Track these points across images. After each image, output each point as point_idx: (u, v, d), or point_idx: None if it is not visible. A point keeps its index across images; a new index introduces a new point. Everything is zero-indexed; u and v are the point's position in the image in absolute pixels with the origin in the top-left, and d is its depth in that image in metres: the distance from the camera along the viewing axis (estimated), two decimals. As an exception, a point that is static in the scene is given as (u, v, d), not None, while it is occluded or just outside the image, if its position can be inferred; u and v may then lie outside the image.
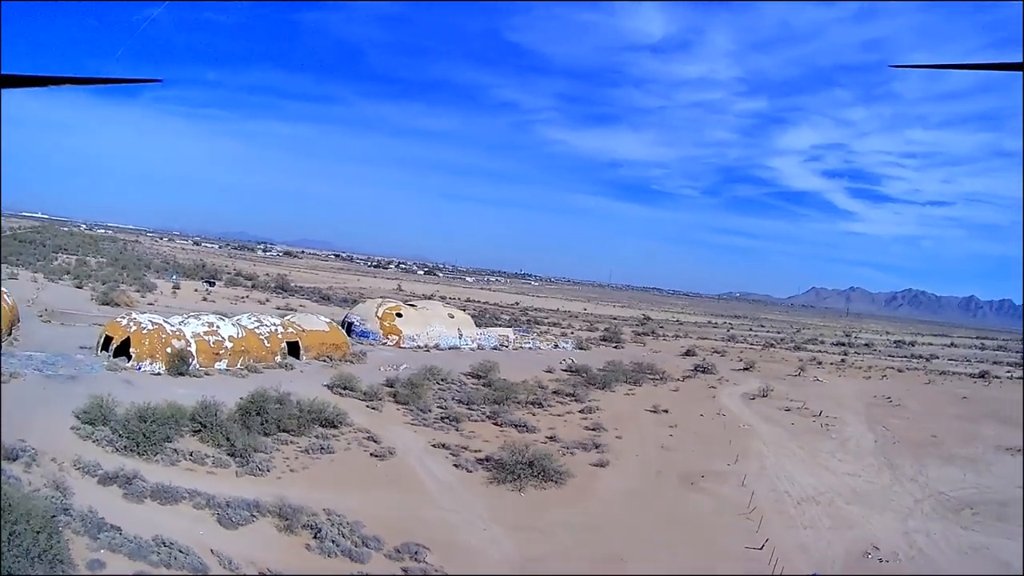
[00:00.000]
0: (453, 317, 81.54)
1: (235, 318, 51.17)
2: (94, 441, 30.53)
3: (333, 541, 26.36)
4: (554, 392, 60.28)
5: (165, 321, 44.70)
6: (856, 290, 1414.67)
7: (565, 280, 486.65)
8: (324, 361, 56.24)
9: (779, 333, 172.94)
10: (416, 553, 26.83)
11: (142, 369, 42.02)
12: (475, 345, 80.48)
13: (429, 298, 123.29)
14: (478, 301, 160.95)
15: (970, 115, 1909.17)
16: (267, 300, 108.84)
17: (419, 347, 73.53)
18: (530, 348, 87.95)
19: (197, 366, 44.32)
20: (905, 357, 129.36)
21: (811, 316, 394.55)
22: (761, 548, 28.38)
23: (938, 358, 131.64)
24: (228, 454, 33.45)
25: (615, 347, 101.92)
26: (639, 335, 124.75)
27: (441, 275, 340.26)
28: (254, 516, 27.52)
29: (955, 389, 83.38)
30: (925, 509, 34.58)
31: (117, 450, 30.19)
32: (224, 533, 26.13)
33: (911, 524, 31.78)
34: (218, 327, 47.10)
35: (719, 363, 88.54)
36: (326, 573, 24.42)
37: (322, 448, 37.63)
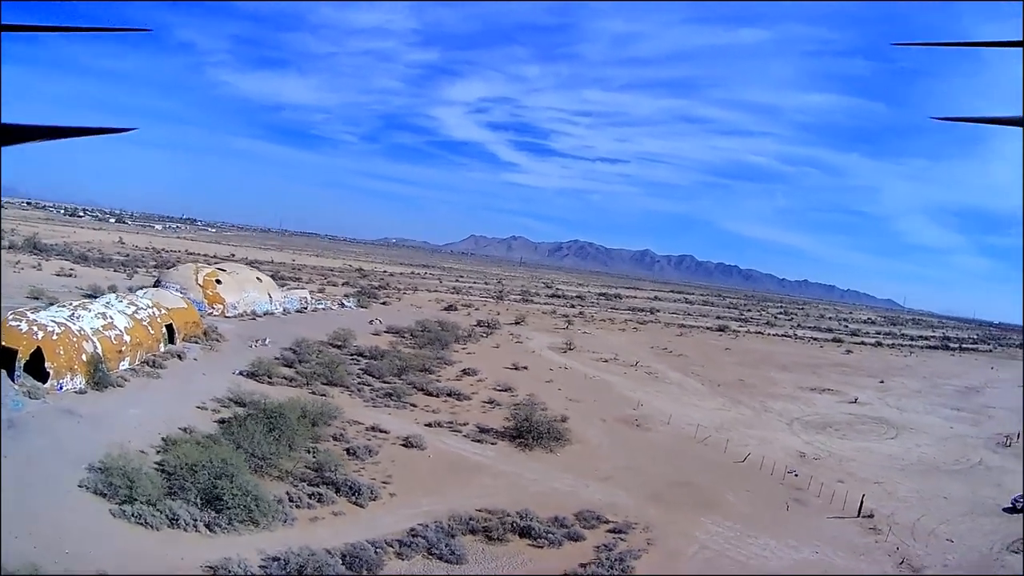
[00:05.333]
0: (261, 281, 67.72)
1: (104, 301, 34.11)
2: (174, 525, 19.18)
3: (548, 532, 24.38)
4: (414, 355, 58.19)
5: (65, 319, 27.39)
6: (518, 239, 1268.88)
7: (231, 226, 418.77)
8: (197, 342, 42.37)
9: (487, 284, 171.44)
10: (598, 517, 26.76)
11: (63, 388, 25.70)
12: (282, 309, 69.06)
13: (157, 252, 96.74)
14: (196, 254, 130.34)
15: (658, 81, 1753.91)
16: (39, 265, 76.94)
17: (241, 315, 59.72)
18: (323, 309, 79.47)
19: (106, 371, 29.06)
20: (628, 310, 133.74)
21: (488, 265, 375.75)
22: (744, 461, 37.38)
23: (659, 311, 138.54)
24: (310, 484, 25.15)
25: (382, 304, 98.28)
26: (379, 289, 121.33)
27: (130, 223, 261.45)
28: (455, 540, 22.89)
29: (711, 341, 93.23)
30: (799, 428, 45.74)
31: (218, 528, 19.74)
32: (464, 569, 21.37)
33: (804, 438, 43.11)
34: (112, 319, 31.14)
35: (481, 317, 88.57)
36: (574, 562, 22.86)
37: (368, 450, 30.91)
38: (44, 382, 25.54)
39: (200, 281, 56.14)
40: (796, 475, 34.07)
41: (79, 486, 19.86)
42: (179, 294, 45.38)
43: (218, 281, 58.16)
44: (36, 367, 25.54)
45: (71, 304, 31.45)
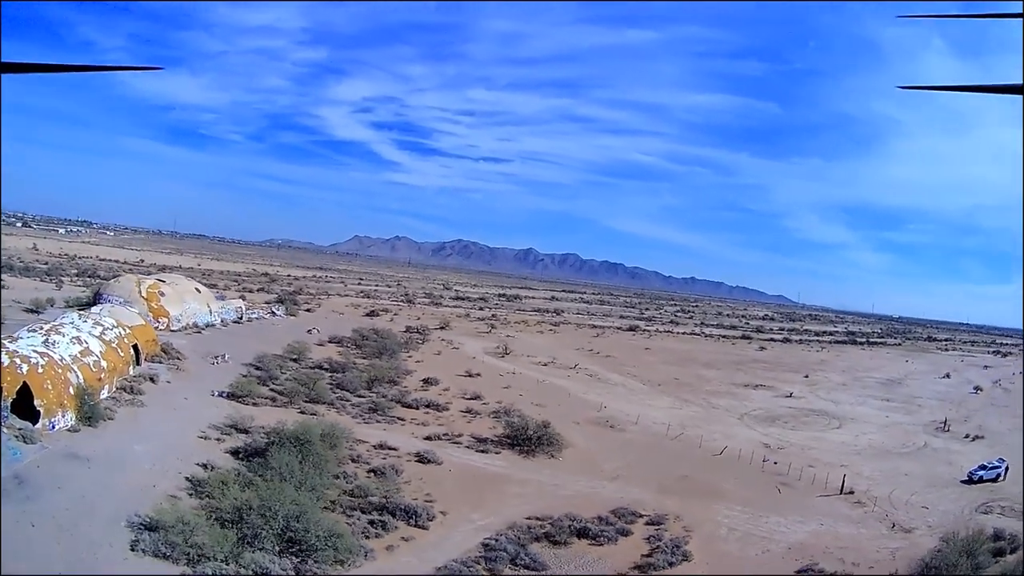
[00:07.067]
0: (200, 292, 60.92)
1: (71, 322, 28.95)
2: None
3: (601, 531, 24.67)
4: (373, 367, 55.51)
5: (43, 346, 22.65)
6: (401, 239, 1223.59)
7: (126, 228, 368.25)
8: (160, 362, 37.52)
9: (390, 287, 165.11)
10: (633, 513, 27.44)
11: (55, 428, 21.16)
12: (220, 320, 62.80)
13: (73, 259, 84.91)
14: (109, 260, 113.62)
15: (543, 81, 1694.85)
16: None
17: (185, 328, 53.46)
18: (257, 318, 73.36)
19: (93, 403, 24.75)
20: (534, 311, 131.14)
21: (376, 266, 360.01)
22: (721, 453, 39.70)
23: (564, 311, 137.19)
24: (363, 511, 23.27)
25: (307, 311, 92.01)
26: (295, 295, 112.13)
27: (35, 227, 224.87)
28: (529, 548, 22.43)
29: (628, 341, 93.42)
30: (751, 422, 47.74)
31: (309, 574, 17.49)
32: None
33: (759, 430, 45.28)
34: (87, 343, 26.45)
35: (406, 323, 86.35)
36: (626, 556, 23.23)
37: (395, 469, 29.04)
38: (33, 422, 21.06)
39: (144, 294, 49.48)
40: (776, 463, 36.93)
41: (132, 549, 16.64)
42: (132, 309, 39.65)
43: (161, 293, 51.56)
44: (21, 404, 20.94)
45: (42, 328, 26.15)
